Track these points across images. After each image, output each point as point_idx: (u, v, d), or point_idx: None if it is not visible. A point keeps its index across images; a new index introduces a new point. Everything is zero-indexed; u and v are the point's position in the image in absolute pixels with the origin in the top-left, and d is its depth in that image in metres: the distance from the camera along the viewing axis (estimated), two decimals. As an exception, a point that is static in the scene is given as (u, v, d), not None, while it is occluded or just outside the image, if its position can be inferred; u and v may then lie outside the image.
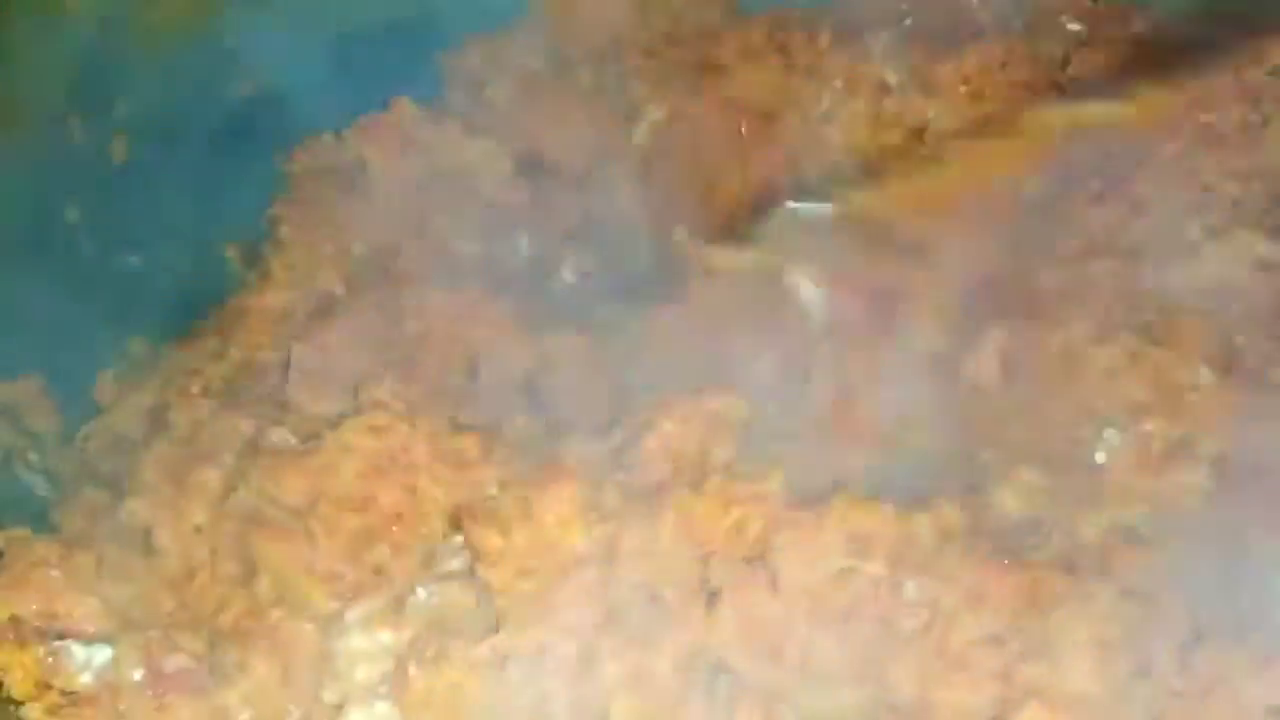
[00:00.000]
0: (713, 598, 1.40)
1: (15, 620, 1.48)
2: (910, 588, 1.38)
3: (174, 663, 1.46)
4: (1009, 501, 1.50)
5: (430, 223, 1.88)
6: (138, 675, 1.46)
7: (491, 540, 1.43)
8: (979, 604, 1.36)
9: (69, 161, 1.81)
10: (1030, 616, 1.35)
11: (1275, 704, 1.30)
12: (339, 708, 1.41)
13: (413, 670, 1.38)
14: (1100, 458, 1.53)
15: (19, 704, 1.46)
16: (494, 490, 1.51)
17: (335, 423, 1.56)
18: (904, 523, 1.41)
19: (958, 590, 1.37)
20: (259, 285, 1.87)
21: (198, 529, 1.56)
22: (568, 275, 1.89)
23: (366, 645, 1.41)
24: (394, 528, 1.51)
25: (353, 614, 1.45)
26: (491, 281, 1.78)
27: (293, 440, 1.59)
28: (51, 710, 1.46)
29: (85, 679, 1.46)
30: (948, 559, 1.40)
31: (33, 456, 1.70)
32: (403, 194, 1.93)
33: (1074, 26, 2.01)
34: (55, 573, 1.50)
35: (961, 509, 1.44)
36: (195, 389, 1.73)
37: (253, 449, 1.59)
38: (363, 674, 1.40)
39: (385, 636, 1.40)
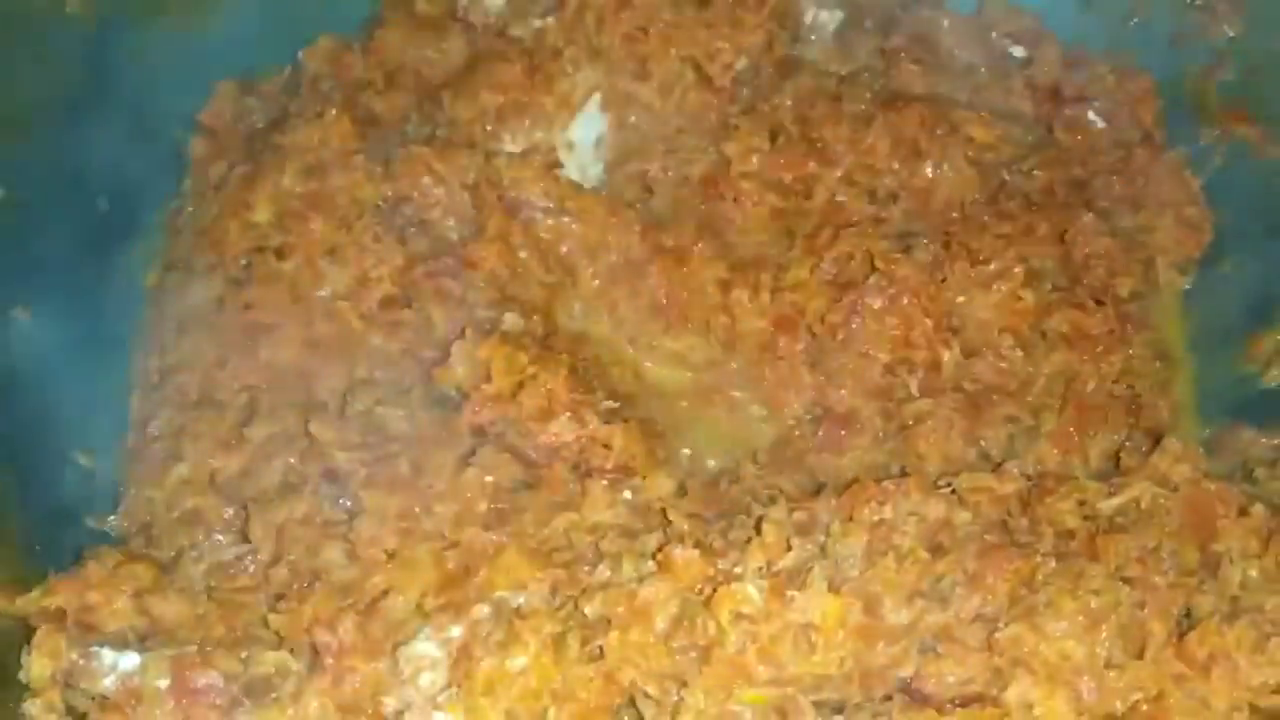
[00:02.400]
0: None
1: (60, 612, 1.43)
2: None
3: (205, 678, 1.37)
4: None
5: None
6: (163, 684, 1.37)
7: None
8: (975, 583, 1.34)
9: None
10: (1024, 593, 1.33)
11: (1274, 682, 1.30)
12: (398, 714, 1.31)
13: (478, 655, 1.29)
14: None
15: (20, 702, 1.39)
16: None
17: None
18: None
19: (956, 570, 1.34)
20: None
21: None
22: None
23: (432, 650, 1.31)
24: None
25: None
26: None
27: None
28: (52, 708, 1.38)
29: (108, 683, 1.38)
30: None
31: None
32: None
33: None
34: (113, 577, 1.45)
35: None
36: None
37: None
38: (427, 680, 1.30)
39: (455, 630, 1.31)
